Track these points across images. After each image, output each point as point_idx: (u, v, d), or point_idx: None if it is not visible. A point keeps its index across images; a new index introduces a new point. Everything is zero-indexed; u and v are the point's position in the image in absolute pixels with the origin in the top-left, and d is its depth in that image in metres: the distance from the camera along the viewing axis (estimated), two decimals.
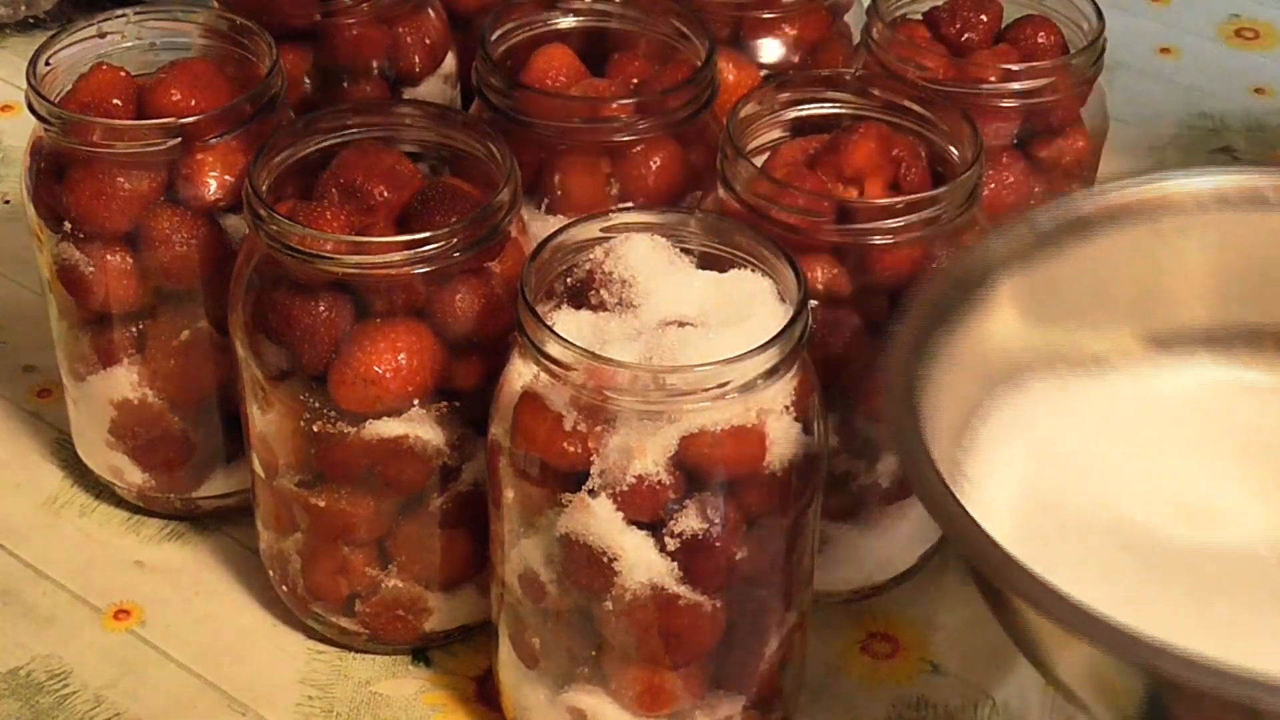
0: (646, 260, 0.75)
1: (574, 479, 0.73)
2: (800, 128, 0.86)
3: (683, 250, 0.77)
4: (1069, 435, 0.74)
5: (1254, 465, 0.73)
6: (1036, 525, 0.69)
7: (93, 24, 0.90)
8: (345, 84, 0.95)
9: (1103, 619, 0.59)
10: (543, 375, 0.73)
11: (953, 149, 0.83)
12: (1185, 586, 0.67)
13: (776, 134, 0.86)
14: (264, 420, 0.82)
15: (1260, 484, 0.73)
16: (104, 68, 0.87)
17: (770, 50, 0.96)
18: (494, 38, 0.89)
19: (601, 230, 0.77)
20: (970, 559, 0.64)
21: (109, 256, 0.86)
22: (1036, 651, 0.65)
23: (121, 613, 0.89)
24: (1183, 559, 0.69)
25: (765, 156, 0.84)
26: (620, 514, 0.73)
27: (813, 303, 0.76)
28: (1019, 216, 0.75)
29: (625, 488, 0.72)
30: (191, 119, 0.84)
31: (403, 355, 0.78)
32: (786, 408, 0.73)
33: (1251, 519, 0.71)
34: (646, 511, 0.73)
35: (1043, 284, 0.74)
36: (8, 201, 1.15)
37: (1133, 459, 0.73)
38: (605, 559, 0.73)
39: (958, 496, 0.64)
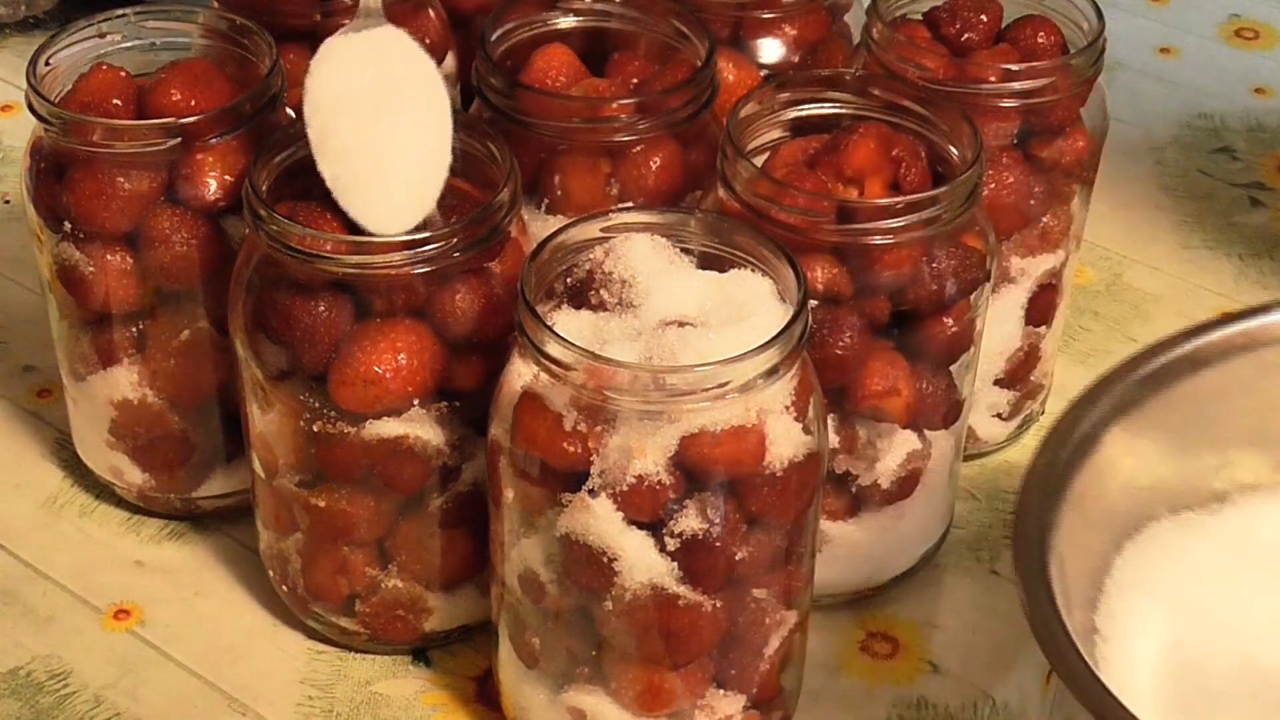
0: (646, 260, 0.75)
1: (574, 479, 0.73)
2: (800, 128, 0.86)
3: (683, 250, 0.77)
4: (1201, 582, 0.73)
5: None
6: (1179, 686, 0.68)
7: (93, 24, 0.90)
8: None
9: None
10: (543, 375, 0.73)
11: (953, 149, 0.83)
12: None
13: (776, 134, 0.86)
14: (264, 420, 0.82)
15: None
16: (104, 68, 0.87)
17: (770, 50, 0.96)
18: (494, 38, 0.89)
19: (601, 230, 0.77)
20: None
21: (109, 256, 0.86)
22: None
23: (121, 613, 0.89)
24: None
25: (765, 156, 0.84)
26: (620, 514, 0.73)
27: (813, 303, 0.76)
28: (1121, 365, 0.74)
29: (625, 488, 0.72)
30: (191, 119, 0.84)
31: (403, 355, 0.78)
32: (786, 408, 0.73)
33: None
34: (646, 511, 0.73)
35: (1153, 428, 0.73)
36: (8, 201, 1.15)
37: (1269, 597, 0.72)
38: (605, 559, 0.73)
39: (1094, 663, 0.62)
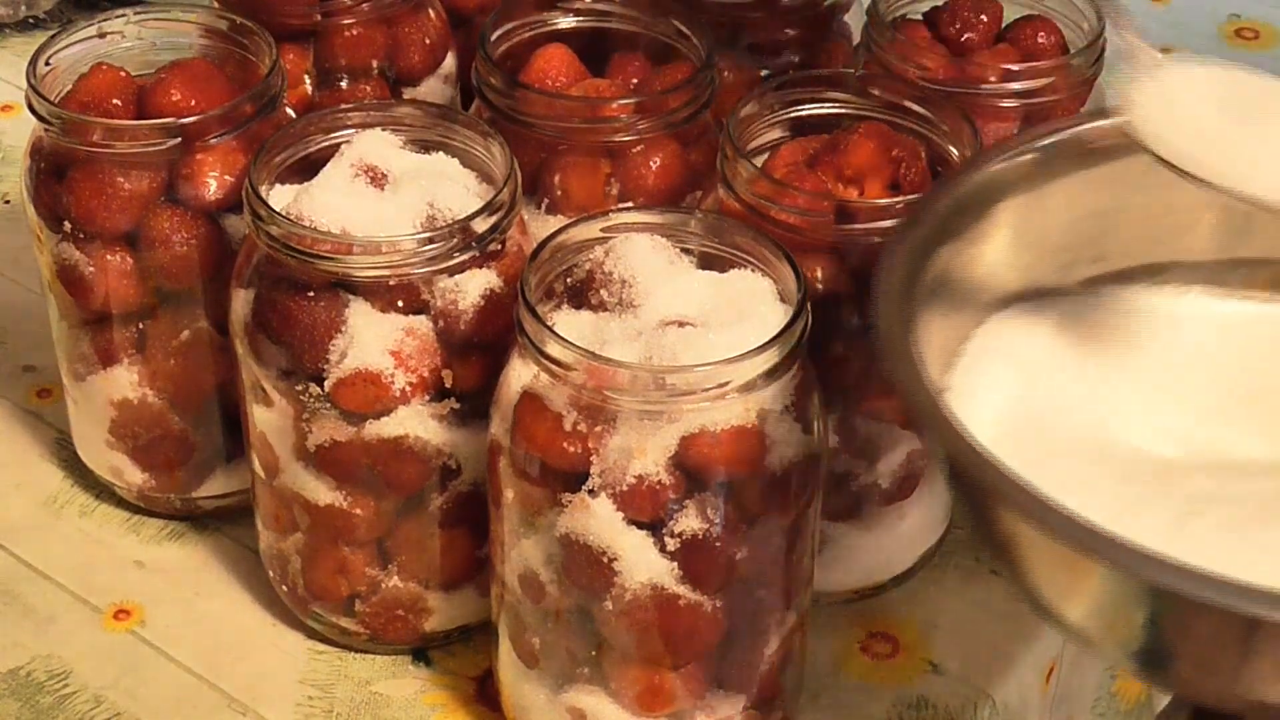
0: (646, 260, 0.76)
1: (574, 479, 0.73)
2: (800, 128, 0.86)
3: (683, 250, 0.77)
4: (1057, 359, 0.73)
5: (1244, 393, 0.73)
6: (1019, 438, 0.69)
7: (93, 24, 0.90)
8: (345, 84, 0.95)
9: (1097, 529, 0.58)
10: (543, 375, 0.73)
11: (953, 149, 0.83)
12: (1170, 502, 0.67)
13: (776, 134, 0.86)
14: (264, 420, 0.82)
15: (1249, 410, 0.72)
16: (104, 68, 0.87)
17: (770, 50, 0.96)
18: (494, 38, 0.90)
19: (601, 230, 0.77)
20: (960, 468, 0.63)
21: (109, 256, 0.86)
22: (1021, 572, 0.64)
23: (121, 613, 0.89)
24: (1166, 476, 0.69)
25: (765, 156, 0.84)
26: (620, 514, 0.73)
27: (813, 303, 0.76)
28: (1022, 139, 0.74)
29: (625, 488, 0.72)
30: (191, 119, 0.84)
31: (403, 355, 0.78)
32: (786, 408, 0.73)
33: (1238, 441, 0.71)
34: (646, 511, 0.73)
35: (1042, 210, 0.73)
36: (8, 201, 1.15)
37: (1120, 384, 0.73)
38: (605, 559, 0.73)
39: (946, 407, 0.63)
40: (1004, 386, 0.71)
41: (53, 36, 0.89)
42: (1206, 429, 0.72)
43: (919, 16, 0.95)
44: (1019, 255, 0.74)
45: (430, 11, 0.98)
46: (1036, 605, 0.65)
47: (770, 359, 0.72)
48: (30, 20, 1.30)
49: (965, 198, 0.72)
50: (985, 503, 0.64)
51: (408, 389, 0.79)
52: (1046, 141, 0.74)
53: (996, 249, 0.73)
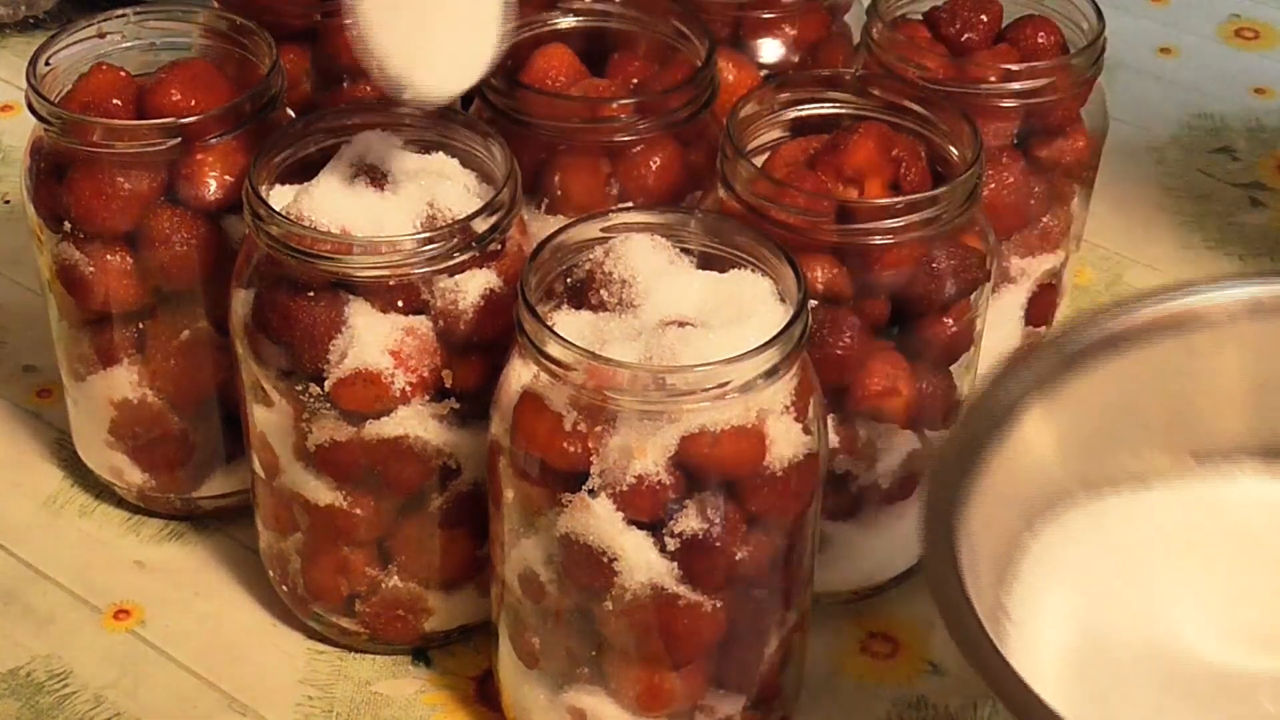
0: (646, 260, 0.76)
1: (574, 479, 0.73)
2: (800, 128, 0.86)
3: (683, 250, 0.77)
4: (1111, 565, 0.72)
5: None
6: (1085, 669, 0.67)
7: (93, 24, 0.90)
8: (345, 84, 0.95)
9: None
10: (543, 375, 0.73)
11: (953, 149, 0.83)
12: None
13: (776, 134, 0.86)
14: (264, 420, 0.82)
15: None
16: (104, 68, 0.87)
17: (770, 50, 0.96)
18: None
19: (601, 230, 0.77)
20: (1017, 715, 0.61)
21: (109, 256, 0.86)
22: None
23: (121, 613, 0.89)
24: (1249, 692, 0.67)
25: (765, 156, 0.84)
26: (620, 514, 0.73)
27: (813, 303, 0.76)
28: (1044, 341, 0.72)
29: (625, 488, 0.72)
30: (191, 119, 0.84)
31: (403, 355, 0.78)
32: (786, 408, 0.73)
33: None
34: (646, 511, 0.73)
35: (1073, 407, 0.72)
36: (8, 201, 1.15)
37: (1180, 582, 0.71)
38: (605, 559, 0.73)
39: (1000, 644, 0.61)
40: (1063, 608, 0.69)
41: (53, 36, 0.89)
42: (1275, 619, 0.70)
43: (919, 16, 0.94)
44: (1062, 455, 0.72)
45: None
46: None
47: (770, 359, 0.72)
48: (30, 20, 1.30)
49: (1000, 405, 0.70)
50: None
51: (408, 389, 0.79)
52: (1074, 339, 0.73)
53: (1039, 450, 0.71)
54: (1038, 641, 0.67)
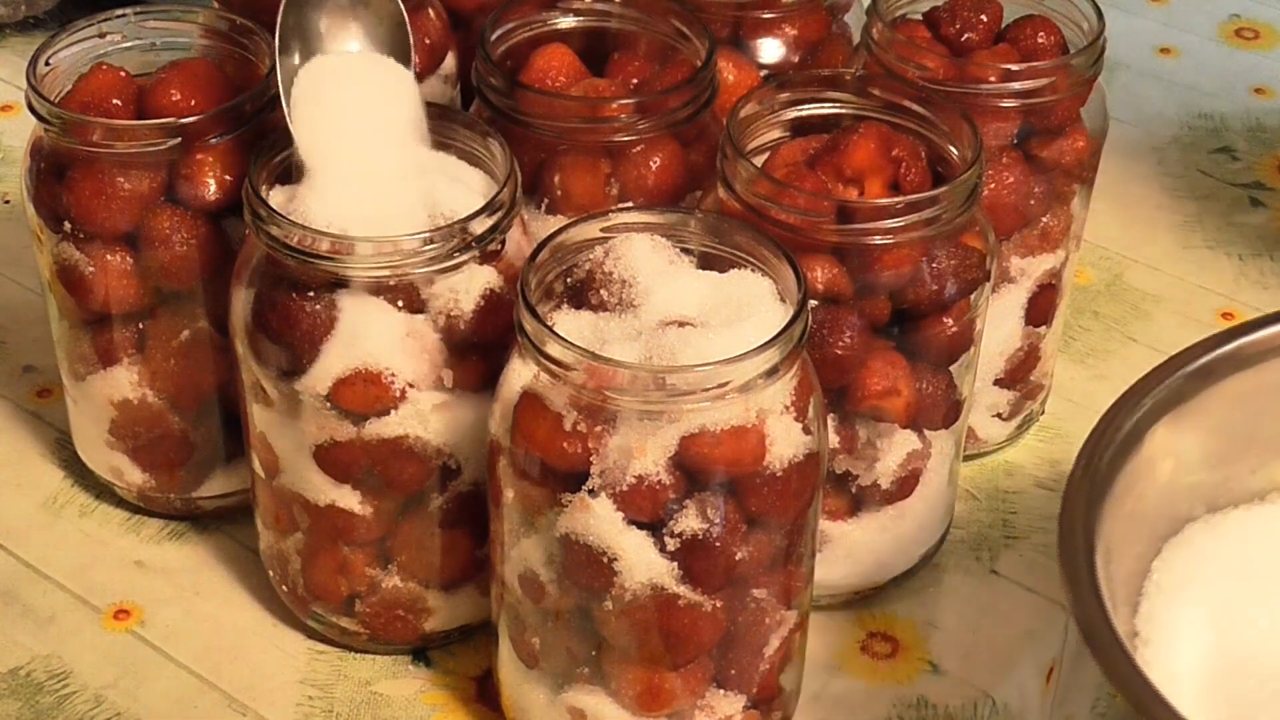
0: (646, 260, 0.76)
1: (574, 479, 0.73)
2: (800, 128, 0.86)
3: (683, 250, 0.77)
4: (1241, 584, 0.71)
5: None
6: (1222, 692, 0.67)
7: (93, 24, 0.90)
8: None
9: None
10: (543, 375, 0.73)
11: (953, 149, 0.83)
12: None
13: (776, 134, 0.86)
14: (264, 420, 0.82)
15: None
16: (104, 68, 0.87)
17: (770, 50, 0.96)
18: (494, 38, 0.89)
19: (601, 230, 0.77)
20: None
21: (109, 256, 0.86)
22: None
23: (121, 613, 0.89)
24: None
25: (765, 156, 0.84)
26: (620, 514, 0.73)
27: (813, 303, 0.76)
28: (1167, 361, 0.72)
29: (625, 488, 0.72)
30: (191, 119, 0.84)
31: (403, 355, 0.78)
32: (786, 408, 0.73)
33: None
34: (646, 511, 0.73)
35: (1196, 427, 0.72)
36: (8, 201, 1.15)
37: None
38: (605, 559, 0.73)
39: (1143, 669, 0.61)
40: (1195, 629, 0.69)
41: (53, 36, 0.89)
42: None
43: (919, 16, 0.94)
44: (1185, 475, 0.72)
45: (430, 11, 0.98)
46: None
47: (770, 359, 0.72)
48: (30, 20, 1.30)
49: (1125, 426, 0.70)
50: None
51: (408, 389, 0.79)
52: (1197, 359, 0.72)
53: (1163, 471, 0.71)
54: (1173, 664, 0.67)
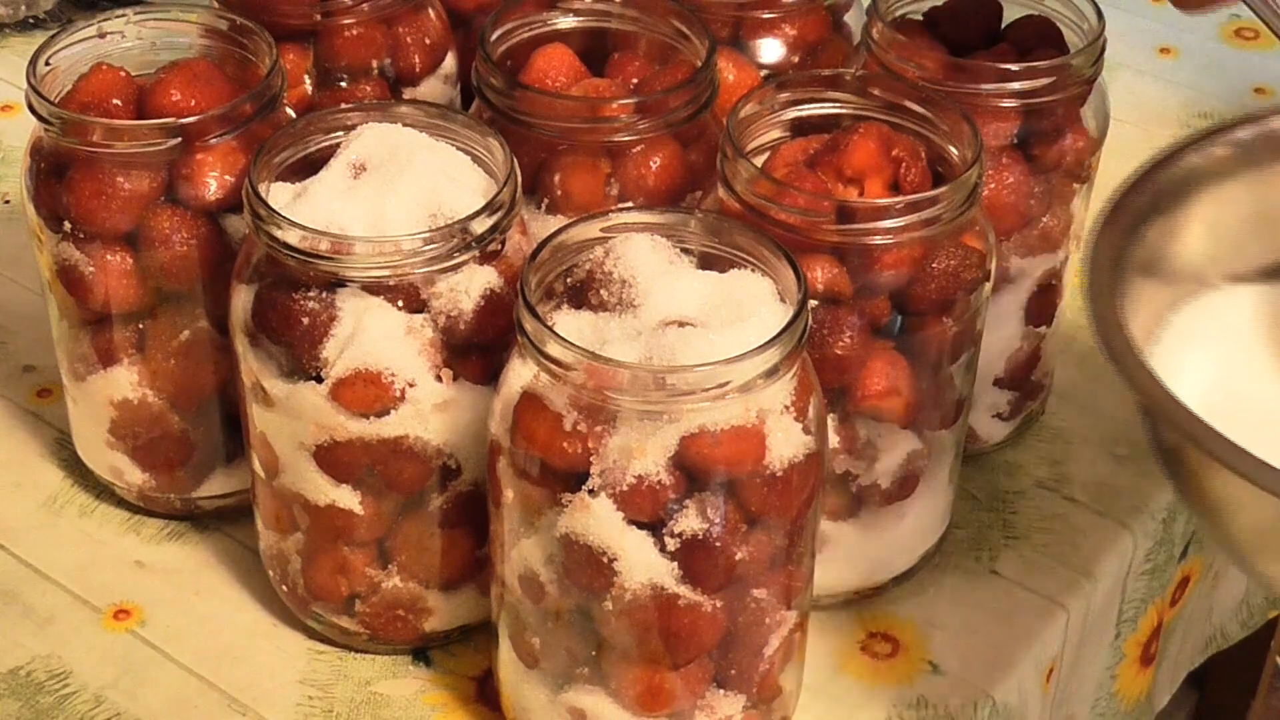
0: (646, 260, 0.76)
1: (574, 479, 0.73)
2: (800, 128, 0.86)
3: (683, 250, 0.77)
4: (1248, 345, 0.74)
5: None
6: (1224, 410, 0.69)
7: (93, 24, 0.90)
8: (345, 84, 0.95)
9: None
10: (543, 375, 0.73)
11: (953, 149, 0.83)
12: None
13: (776, 134, 0.86)
14: (264, 420, 0.82)
15: None
16: (104, 68, 0.87)
17: (770, 50, 0.96)
18: (494, 38, 0.89)
19: (601, 230, 0.77)
20: (1170, 427, 0.64)
21: (109, 256, 0.86)
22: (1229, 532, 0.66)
23: (121, 613, 0.89)
24: None
25: (765, 156, 0.84)
26: (620, 514, 0.73)
27: (813, 303, 0.76)
28: (1218, 129, 0.75)
29: (625, 488, 0.72)
30: (191, 119, 0.84)
31: (403, 355, 0.78)
32: (786, 408, 0.73)
33: None
34: (646, 511, 0.73)
35: (1232, 200, 0.74)
36: (8, 201, 1.15)
37: None
38: (605, 559, 0.73)
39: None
40: (1204, 370, 0.72)
41: (53, 36, 0.89)
42: None
43: (919, 16, 0.95)
44: (1215, 244, 0.75)
45: (430, 11, 0.98)
46: (1247, 566, 0.66)
47: (770, 359, 0.72)
48: (30, 20, 1.30)
49: (1167, 183, 0.73)
50: (1196, 464, 0.65)
51: (407, 389, 0.79)
52: (1243, 134, 0.75)
53: (1194, 236, 0.74)
54: (1177, 389, 0.69)
